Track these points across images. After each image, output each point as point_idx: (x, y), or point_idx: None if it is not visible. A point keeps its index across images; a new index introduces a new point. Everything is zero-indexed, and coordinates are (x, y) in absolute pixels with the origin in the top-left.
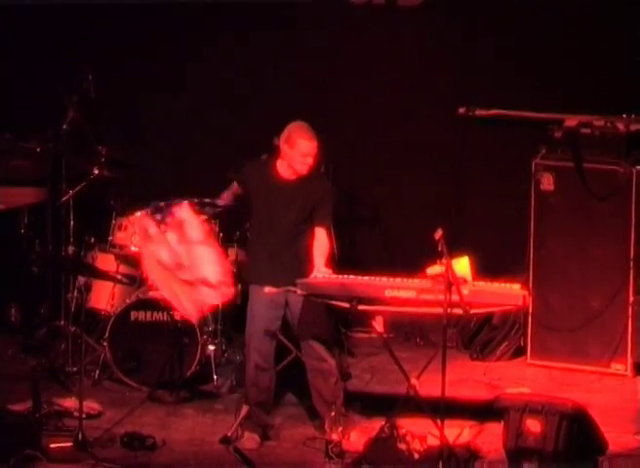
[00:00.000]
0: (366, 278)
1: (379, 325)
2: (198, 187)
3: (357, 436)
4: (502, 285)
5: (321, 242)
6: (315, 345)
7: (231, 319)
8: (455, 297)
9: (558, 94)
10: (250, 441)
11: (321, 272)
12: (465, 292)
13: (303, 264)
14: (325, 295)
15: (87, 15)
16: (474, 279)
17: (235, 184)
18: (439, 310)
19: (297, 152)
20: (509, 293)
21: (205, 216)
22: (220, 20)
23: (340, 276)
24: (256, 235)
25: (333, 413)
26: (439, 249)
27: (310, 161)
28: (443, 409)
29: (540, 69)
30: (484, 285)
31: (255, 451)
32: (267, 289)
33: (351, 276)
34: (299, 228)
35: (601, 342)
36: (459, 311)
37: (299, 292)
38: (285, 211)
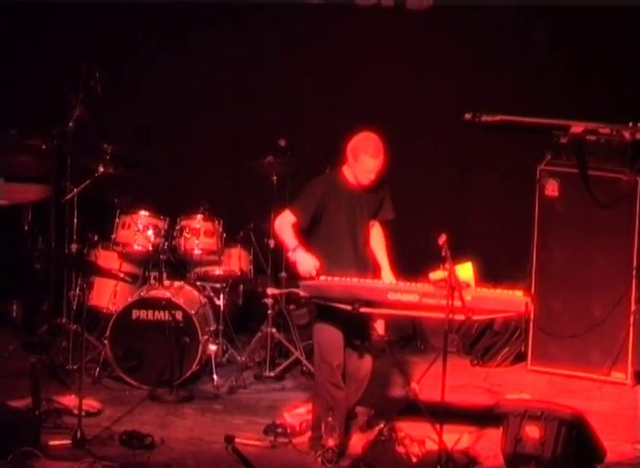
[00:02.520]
0: (369, 281)
1: (380, 328)
2: (199, 185)
3: (356, 438)
4: (505, 291)
5: (380, 235)
6: (356, 352)
7: (233, 319)
8: (457, 303)
9: (564, 100)
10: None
11: (387, 279)
12: (468, 297)
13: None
14: (328, 298)
15: (93, 12)
16: (477, 284)
17: (295, 219)
18: (441, 315)
19: (360, 167)
20: (512, 300)
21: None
22: (224, 21)
23: (344, 278)
24: (338, 246)
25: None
26: (442, 254)
27: (373, 176)
28: (442, 413)
29: (546, 76)
30: (487, 291)
31: (256, 453)
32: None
33: (354, 278)
34: (368, 229)
35: (602, 350)
36: (461, 316)
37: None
38: (361, 215)
